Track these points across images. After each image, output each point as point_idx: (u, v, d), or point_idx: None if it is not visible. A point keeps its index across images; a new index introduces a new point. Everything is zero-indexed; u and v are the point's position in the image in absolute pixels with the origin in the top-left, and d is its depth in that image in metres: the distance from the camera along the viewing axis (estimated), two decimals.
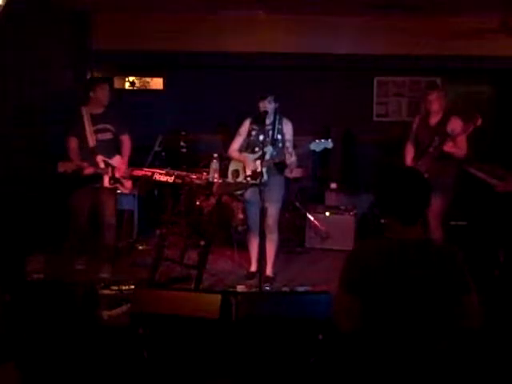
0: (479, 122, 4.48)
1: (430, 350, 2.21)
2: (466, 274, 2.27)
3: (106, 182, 4.76)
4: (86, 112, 4.74)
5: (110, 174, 4.77)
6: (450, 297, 2.23)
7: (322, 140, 4.44)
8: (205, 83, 7.17)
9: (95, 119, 4.75)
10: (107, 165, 4.77)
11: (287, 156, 4.54)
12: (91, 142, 4.70)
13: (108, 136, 4.81)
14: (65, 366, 3.13)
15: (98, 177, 4.74)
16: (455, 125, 4.70)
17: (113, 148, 4.84)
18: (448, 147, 4.62)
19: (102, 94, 4.75)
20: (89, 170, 4.66)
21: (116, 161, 4.83)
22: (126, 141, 4.90)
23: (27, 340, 3.18)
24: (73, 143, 4.73)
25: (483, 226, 5.28)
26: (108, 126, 4.79)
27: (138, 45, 6.76)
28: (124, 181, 4.88)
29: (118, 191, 4.99)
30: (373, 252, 2.34)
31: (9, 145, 5.08)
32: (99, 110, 4.79)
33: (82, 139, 4.71)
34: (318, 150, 4.45)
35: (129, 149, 4.91)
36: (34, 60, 5.67)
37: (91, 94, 4.76)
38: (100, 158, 4.74)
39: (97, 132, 4.75)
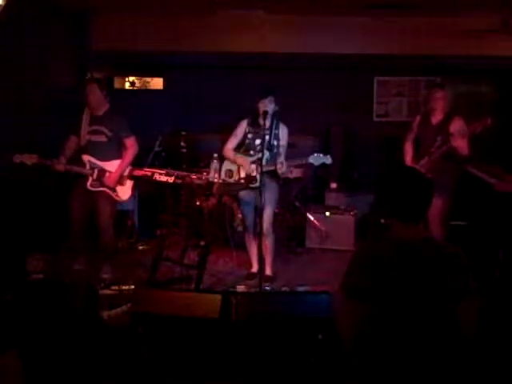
0: (489, 122, 4.47)
1: (432, 351, 2.21)
2: (467, 275, 2.27)
3: (89, 183, 4.69)
4: (86, 112, 4.74)
5: (94, 176, 4.69)
6: (451, 298, 2.23)
7: (321, 155, 4.47)
8: (205, 83, 7.17)
9: (94, 120, 4.73)
10: (93, 167, 4.70)
11: (278, 166, 4.54)
12: (82, 141, 4.71)
13: (101, 139, 4.72)
14: (65, 366, 3.13)
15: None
16: (458, 124, 4.69)
17: (108, 152, 4.73)
18: (455, 143, 4.57)
19: (88, 97, 4.68)
20: (60, 167, 4.62)
21: (111, 165, 4.74)
22: (130, 145, 4.77)
23: (27, 341, 3.18)
24: (70, 140, 4.76)
25: (483, 225, 5.27)
26: (103, 129, 4.71)
27: (137, 45, 6.76)
28: (119, 189, 4.77)
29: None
30: (374, 255, 2.34)
31: (9, 144, 5.07)
32: (100, 112, 4.76)
33: (78, 138, 4.73)
34: (316, 163, 4.48)
35: (131, 154, 4.77)
36: (34, 60, 5.67)
37: (85, 94, 4.75)
38: (86, 158, 4.69)
39: (91, 133, 4.70)
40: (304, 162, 4.57)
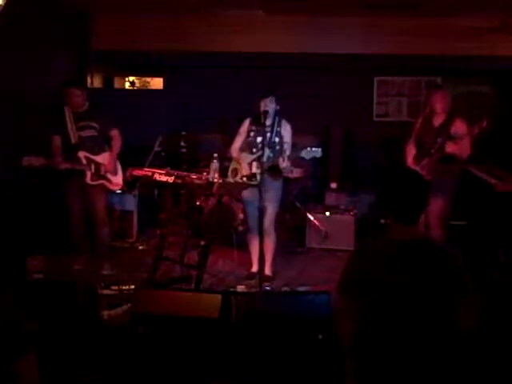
0: (485, 124, 4.47)
1: (431, 351, 2.21)
2: (465, 276, 2.27)
3: (89, 178, 4.78)
4: (68, 110, 4.79)
5: (92, 170, 4.79)
6: (448, 297, 2.23)
7: (313, 148, 4.52)
8: (205, 83, 7.17)
9: (79, 117, 4.79)
10: (90, 161, 4.78)
11: (280, 160, 4.56)
12: (73, 139, 4.75)
13: (92, 133, 4.81)
14: (65, 365, 3.13)
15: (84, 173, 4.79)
16: (459, 127, 4.67)
17: (99, 145, 4.85)
18: (450, 148, 4.60)
19: (71, 100, 4.76)
20: (64, 166, 4.69)
21: (103, 157, 4.85)
22: (115, 135, 4.91)
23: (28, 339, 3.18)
24: (56, 141, 4.80)
25: (483, 225, 5.28)
26: (92, 124, 4.81)
27: (138, 45, 6.77)
28: (111, 177, 4.88)
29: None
30: (372, 255, 2.35)
31: (9, 144, 5.08)
32: (82, 109, 4.82)
33: (65, 137, 4.77)
34: (307, 157, 4.55)
35: (119, 143, 4.91)
36: (34, 60, 5.67)
37: (65, 97, 4.80)
38: (82, 154, 4.77)
39: (80, 129, 4.78)
40: (295, 156, 4.59)
